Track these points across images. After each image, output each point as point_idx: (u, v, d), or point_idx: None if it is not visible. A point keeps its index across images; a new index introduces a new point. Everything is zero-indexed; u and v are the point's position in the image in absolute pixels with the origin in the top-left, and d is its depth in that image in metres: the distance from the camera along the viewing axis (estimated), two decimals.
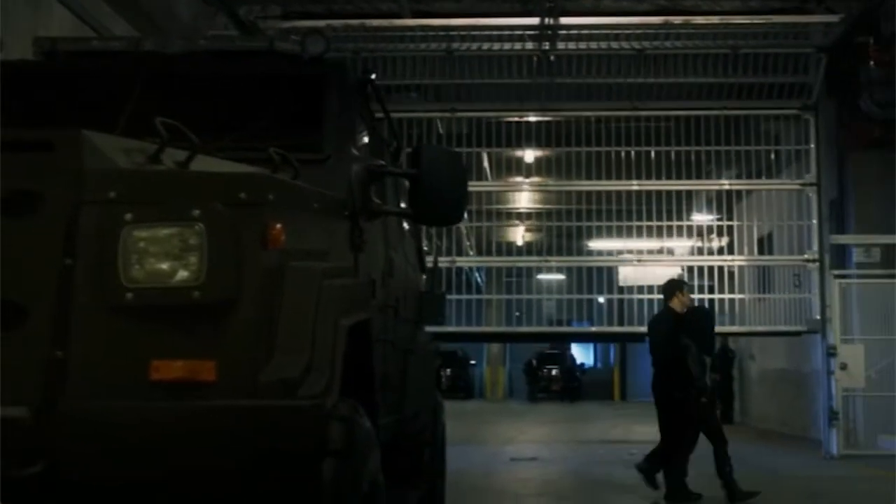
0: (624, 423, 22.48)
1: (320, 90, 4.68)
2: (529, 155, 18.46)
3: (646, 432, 19.05)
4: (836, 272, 13.89)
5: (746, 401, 21.97)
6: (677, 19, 12.85)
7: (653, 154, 14.53)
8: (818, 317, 14.08)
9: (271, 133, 4.18)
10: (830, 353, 13.58)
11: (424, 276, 7.93)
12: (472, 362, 38.72)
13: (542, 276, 43.39)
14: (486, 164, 21.09)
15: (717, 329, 14.71)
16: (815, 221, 14.35)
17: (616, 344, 36.54)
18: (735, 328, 15.32)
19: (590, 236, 31.63)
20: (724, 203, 15.55)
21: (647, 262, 16.49)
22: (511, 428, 21.38)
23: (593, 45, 13.94)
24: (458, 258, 15.57)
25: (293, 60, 4.83)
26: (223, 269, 3.07)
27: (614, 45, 13.85)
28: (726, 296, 14.89)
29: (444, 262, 14.76)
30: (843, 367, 13.47)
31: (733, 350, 22.95)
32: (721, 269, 14.95)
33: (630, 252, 32.94)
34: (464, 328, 15.46)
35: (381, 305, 4.98)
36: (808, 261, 14.35)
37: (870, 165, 14.78)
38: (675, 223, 15.20)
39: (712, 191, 15.52)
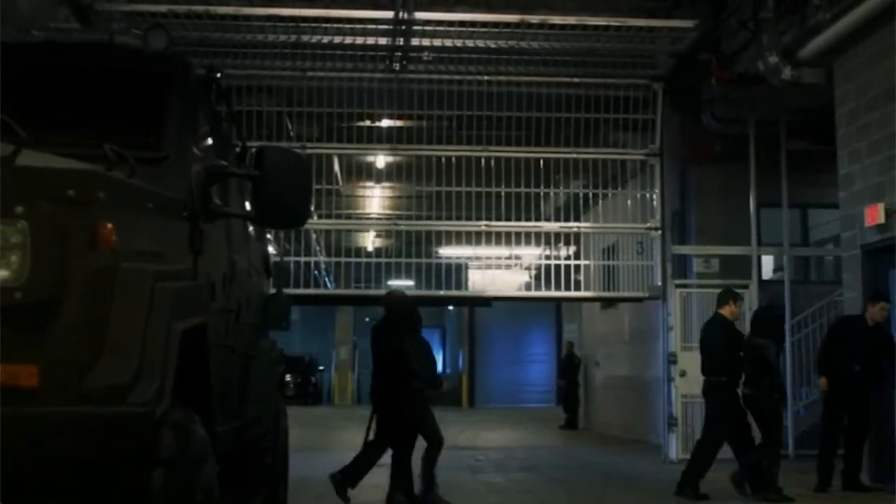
0: (472, 429, 22.63)
1: (161, 87, 4.53)
2: (381, 160, 18.49)
3: (493, 438, 19.26)
4: (678, 282, 14.28)
5: (591, 407, 22.37)
6: (534, 18, 12.85)
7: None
8: (659, 283, 14.42)
9: (109, 129, 4.04)
10: (671, 360, 13.96)
11: (270, 281, 7.82)
12: (321, 368, 38.45)
13: (392, 283, 43.27)
14: (336, 167, 20.96)
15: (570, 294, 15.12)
16: (657, 191, 14.62)
17: (465, 350, 36.74)
18: (581, 293, 15.40)
19: (440, 243, 31.91)
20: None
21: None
22: (358, 434, 21.22)
23: (448, 42, 13.92)
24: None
25: (134, 55, 4.68)
26: (47, 269, 2.93)
27: (469, 43, 13.86)
28: (572, 262, 15.25)
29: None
30: (683, 374, 13.84)
31: (579, 357, 23.36)
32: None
33: (479, 258, 33.20)
34: (315, 290, 15.11)
35: (222, 309, 4.87)
36: (650, 229, 14.62)
37: (709, 178, 15.25)
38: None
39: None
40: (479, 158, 14.55)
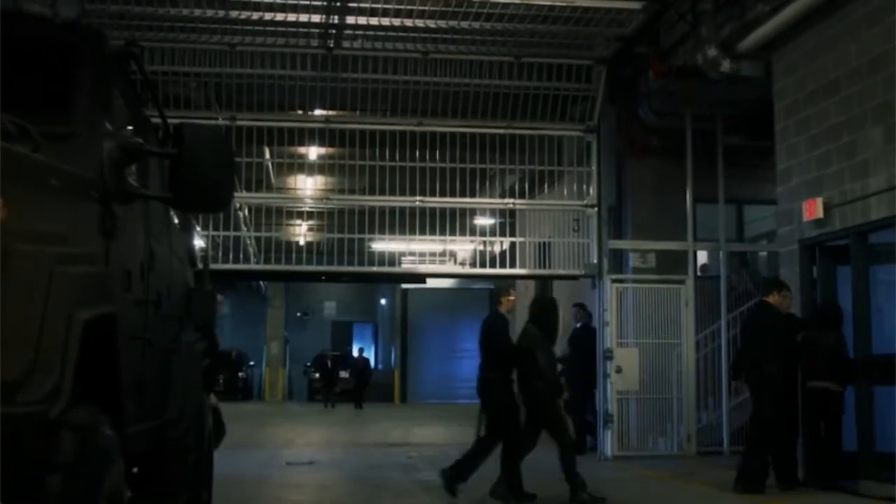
0: (403, 425, 22.38)
1: (72, 58, 4.18)
2: (313, 153, 18.13)
3: (426, 435, 18.98)
4: (613, 277, 14.11)
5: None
6: (462, 23, 12.62)
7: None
8: (595, 261, 14.28)
9: (15, 103, 3.68)
10: (607, 356, 13.77)
11: (195, 272, 7.47)
12: (252, 363, 37.95)
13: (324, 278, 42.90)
14: (267, 158, 20.55)
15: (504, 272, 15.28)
16: (594, 168, 14.48)
17: (397, 345, 36.48)
18: (515, 271, 15.22)
19: (373, 231, 31.56)
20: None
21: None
22: (289, 431, 20.90)
23: (378, 45, 13.66)
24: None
25: (43, 24, 4.32)
26: None
27: (399, 46, 13.61)
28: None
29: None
30: (619, 370, 13.68)
31: None
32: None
33: (413, 255, 32.91)
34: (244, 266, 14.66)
35: (138, 300, 4.53)
36: (587, 206, 14.47)
37: (646, 173, 15.11)
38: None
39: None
40: (413, 133, 14.21)
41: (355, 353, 36.08)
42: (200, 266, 7.45)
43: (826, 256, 10.85)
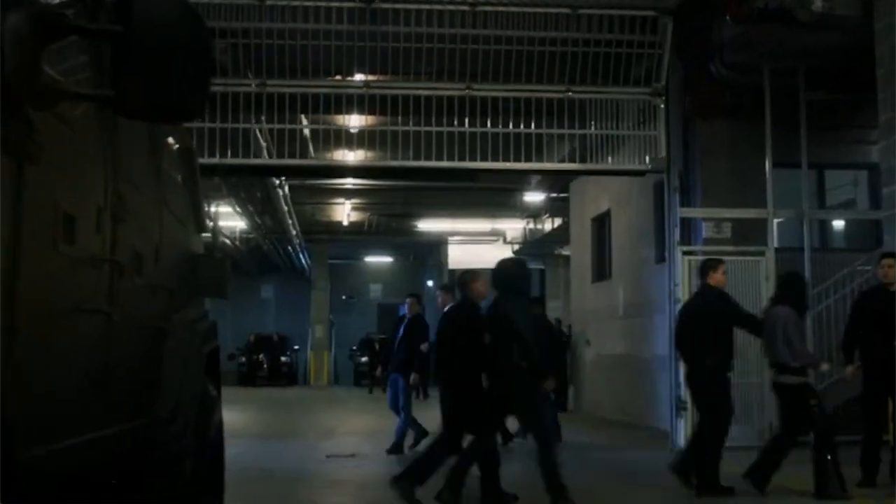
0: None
1: None
2: (355, 122, 16.88)
3: None
4: (685, 248, 12.72)
5: (580, 388, 20.91)
6: None
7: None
8: (663, 154, 13.07)
9: None
10: None
11: (205, 238, 6.26)
12: (296, 347, 36.93)
13: (369, 259, 42.08)
14: (307, 133, 19.41)
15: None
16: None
17: None
18: (574, 165, 13.96)
19: (419, 217, 30.45)
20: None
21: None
22: (332, 418, 19.75)
23: None
24: None
25: None
26: None
27: None
28: (568, 131, 13.55)
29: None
30: None
31: (567, 335, 21.93)
32: None
33: (460, 234, 31.62)
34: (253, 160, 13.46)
35: (92, 258, 3.29)
36: (653, 94, 13.13)
37: (717, 135, 13.72)
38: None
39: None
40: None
41: None
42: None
43: None
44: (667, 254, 12.79)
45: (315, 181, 25.51)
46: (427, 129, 13.06)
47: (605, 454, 12.64)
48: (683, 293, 12.41)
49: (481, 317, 8.62)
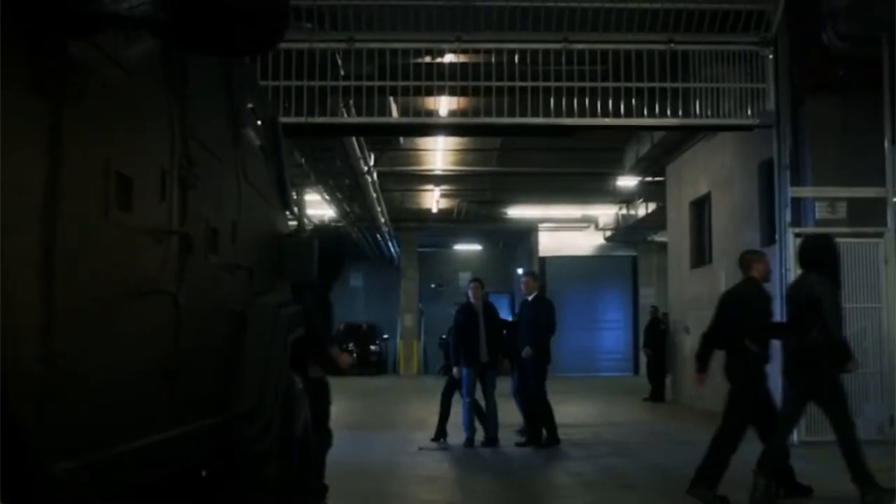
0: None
1: None
2: (444, 104, 16.29)
3: (573, 413, 17.04)
4: (796, 230, 11.95)
5: (679, 378, 20.15)
6: None
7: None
8: (772, 107, 12.34)
9: None
10: None
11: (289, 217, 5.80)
12: (385, 336, 36.66)
13: (458, 247, 41.74)
14: (395, 113, 18.97)
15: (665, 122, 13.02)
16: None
17: None
18: (679, 120, 13.06)
19: (509, 203, 29.91)
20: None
21: None
22: (423, 408, 19.27)
23: None
24: None
25: None
26: None
27: None
28: (671, 84, 12.69)
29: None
30: None
31: (665, 324, 21.22)
32: None
33: (550, 220, 30.99)
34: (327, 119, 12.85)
35: (153, 229, 2.82)
36: (761, 44, 12.37)
37: (828, 110, 12.89)
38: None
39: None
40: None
41: None
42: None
43: None
44: (777, 236, 12.01)
45: (404, 168, 25.13)
46: (522, 83, 12.45)
47: None
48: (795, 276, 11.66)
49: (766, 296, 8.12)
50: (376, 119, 13.23)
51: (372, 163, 21.40)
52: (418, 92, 13.02)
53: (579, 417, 16.46)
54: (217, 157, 3.66)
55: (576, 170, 24.83)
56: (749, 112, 12.59)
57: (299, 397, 4.80)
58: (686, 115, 12.76)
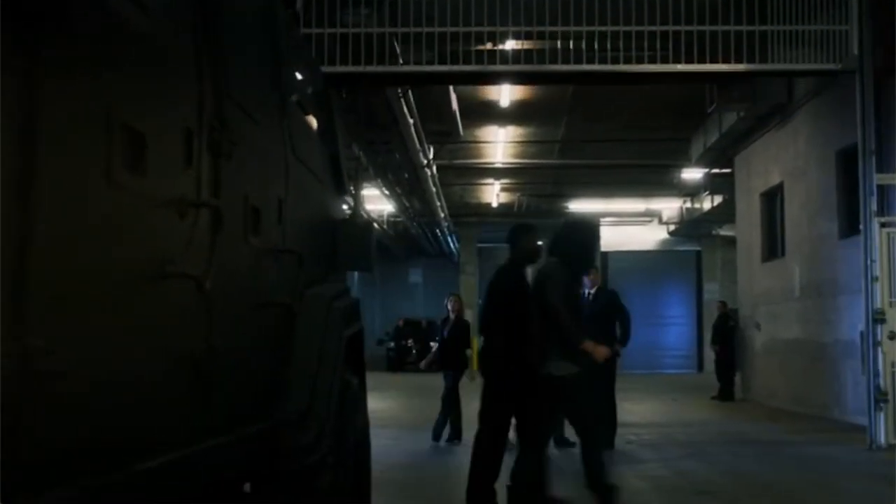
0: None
1: None
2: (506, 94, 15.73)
3: (640, 412, 16.42)
4: (883, 220, 11.26)
5: (749, 375, 19.46)
6: None
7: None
8: (856, 52, 11.57)
9: None
10: (877, 318, 10.93)
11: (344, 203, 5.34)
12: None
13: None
14: (454, 106, 18.52)
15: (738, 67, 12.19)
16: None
17: None
18: (755, 66, 12.32)
19: (570, 197, 29.36)
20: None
21: None
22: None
23: None
24: None
25: None
26: None
27: None
28: (746, 27, 11.91)
29: None
30: (893, 336, 10.88)
31: (734, 319, 20.52)
32: None
33: (613, 215, 30.35)
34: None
35: (172, 200, 2.34)
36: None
37: None
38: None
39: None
40: None
41: None
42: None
43: None
44: (862, 226, 11.33)
45: (464, 161, 24.66)
46: (589, 28, 11.76)
47: (793, 449, 11.30)
48: (882, 270, 10.99)
49: None
50: (437, 67, 12.44)
51: (431, 156, 20.94)
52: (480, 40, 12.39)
53: (646, 416, 15.86)
54: (259, 125, 3.19)
55: (639, 162, 24.25)
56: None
57: (354, 399, 4.31)
58: (763, 60, 12.06)
